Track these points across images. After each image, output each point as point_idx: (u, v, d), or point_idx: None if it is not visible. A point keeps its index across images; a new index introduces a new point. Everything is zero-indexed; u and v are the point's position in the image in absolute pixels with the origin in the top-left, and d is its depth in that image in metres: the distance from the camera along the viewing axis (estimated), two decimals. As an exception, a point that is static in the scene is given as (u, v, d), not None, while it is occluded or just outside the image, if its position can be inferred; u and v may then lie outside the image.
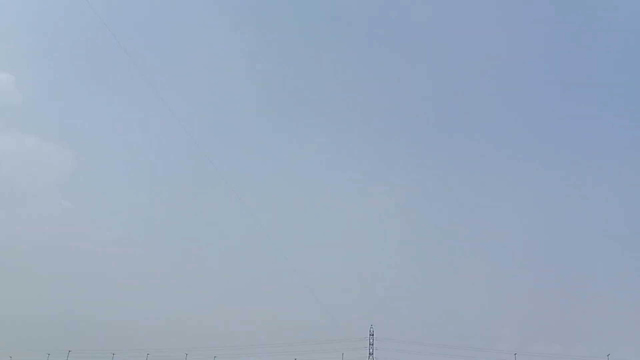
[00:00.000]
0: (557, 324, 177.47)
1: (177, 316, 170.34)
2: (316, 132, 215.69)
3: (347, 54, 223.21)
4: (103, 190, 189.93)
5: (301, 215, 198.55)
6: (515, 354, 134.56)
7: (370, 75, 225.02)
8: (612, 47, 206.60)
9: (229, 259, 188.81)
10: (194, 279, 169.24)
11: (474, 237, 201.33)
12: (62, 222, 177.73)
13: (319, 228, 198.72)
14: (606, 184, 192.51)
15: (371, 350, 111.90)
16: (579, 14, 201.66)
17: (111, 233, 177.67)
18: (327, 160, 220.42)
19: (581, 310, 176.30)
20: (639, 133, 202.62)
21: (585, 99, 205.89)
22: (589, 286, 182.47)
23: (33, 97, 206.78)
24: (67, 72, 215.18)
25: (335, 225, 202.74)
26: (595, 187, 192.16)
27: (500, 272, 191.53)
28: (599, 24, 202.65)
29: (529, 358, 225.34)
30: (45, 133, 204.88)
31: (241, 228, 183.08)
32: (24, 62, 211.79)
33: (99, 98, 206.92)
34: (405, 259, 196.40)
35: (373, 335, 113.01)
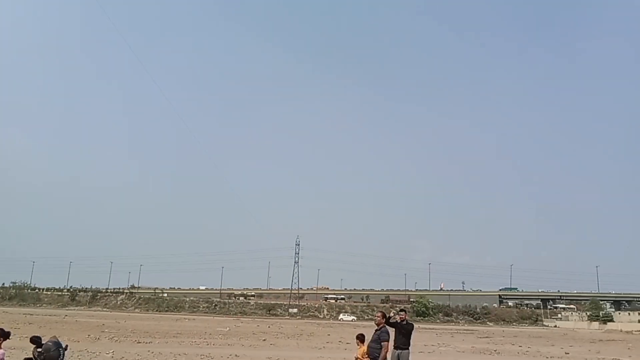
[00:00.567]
0: (468, 238, 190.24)
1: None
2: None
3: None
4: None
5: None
6: (429, 264, 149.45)
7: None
8: None
9: (181, 186, 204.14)
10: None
11: (395, 160, 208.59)
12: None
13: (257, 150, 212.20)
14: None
15: (297, 259, 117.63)
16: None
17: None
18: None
19: (489, 225, 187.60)
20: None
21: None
22: (497, 204, 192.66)
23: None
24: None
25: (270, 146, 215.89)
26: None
27: (418, 190, 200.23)
28: None
29: (442, 267, 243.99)
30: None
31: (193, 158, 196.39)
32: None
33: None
34: (332, 177, 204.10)
35: (299, 245, 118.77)
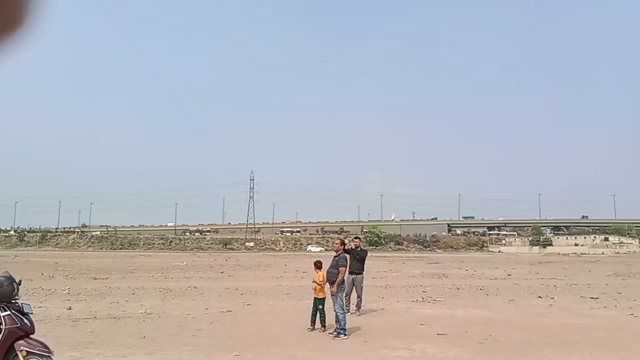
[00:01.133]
0: (418, 170, 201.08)
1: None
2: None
3: None
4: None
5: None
6: (382, 195, 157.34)
7: None
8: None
9: (130, 117, 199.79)
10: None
11: (345, 93, 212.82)
12: None
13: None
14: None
15: (252, 194, 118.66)
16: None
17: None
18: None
19: (439, 157, 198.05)
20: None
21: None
22: (446, 136, 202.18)
23: None
24: None
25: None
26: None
27: (372, 123, 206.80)
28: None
29: (393, 198, 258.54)
30: None
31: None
32: None
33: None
34: (286, 112, 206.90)
35: (254, 180, 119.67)
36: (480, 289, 19.13)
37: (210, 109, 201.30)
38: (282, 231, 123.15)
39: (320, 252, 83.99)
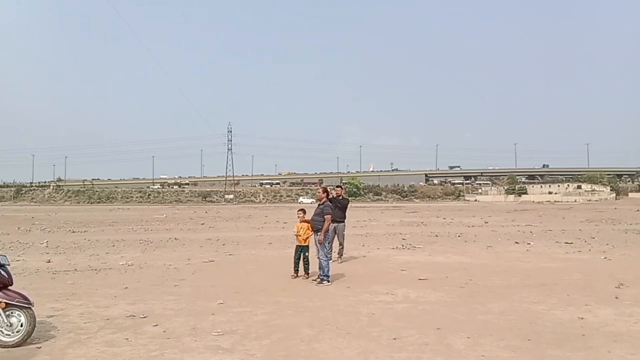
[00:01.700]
0: (397, 122, 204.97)
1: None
2: None
3: None
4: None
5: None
6: (360, 146, 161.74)
7: None
8: None
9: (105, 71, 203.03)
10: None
11: (325, 44, 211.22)
12: None
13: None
14: None
15: (230, 147, 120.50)
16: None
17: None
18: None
19: (417, 107, 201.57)
20: None
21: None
22: (424, 86, 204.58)
23: None
24: None
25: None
26: None
27: (348, 70, 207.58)
28: None
29: (372, 149, 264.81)
30: None
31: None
32: None
33: None
34: (259, 61, 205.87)
35: (231, 132, 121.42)
36: (459, 236, 19.49)
37: (185, 60, 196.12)
38: (262, 183, 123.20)
39: (312, 204, 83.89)
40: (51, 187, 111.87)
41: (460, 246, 15.99)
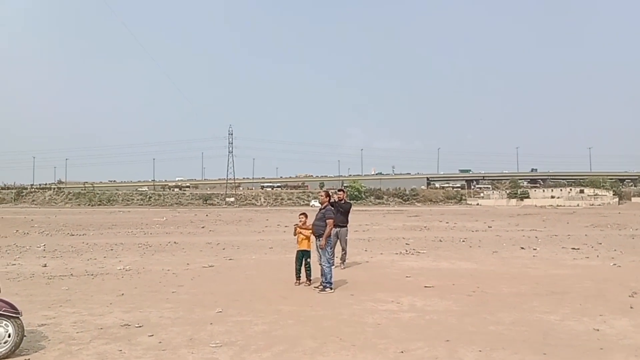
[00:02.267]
0: (399, 124, 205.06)
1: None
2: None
3: None
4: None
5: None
6: (362, 149, 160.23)
7: None
8: None
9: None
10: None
11: (324, 48, 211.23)
12: None
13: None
14: None
15: (231, 149, 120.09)
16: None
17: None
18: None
19: (419, 110, 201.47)
20: None
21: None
22: (425, 90, 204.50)
23: None
24: None
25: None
26: None
27: (350, 72, 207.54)
28: None
29: (373, 152, 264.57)
30: None
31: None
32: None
33: None
34: (260, 63, 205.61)
35: (232, 134, 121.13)
36: (463, 241, 19.17)
37: (186, 62, 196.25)
38: (263, 186, 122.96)
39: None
40: (52, 189, 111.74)
41: (465, 251, 15.67)
